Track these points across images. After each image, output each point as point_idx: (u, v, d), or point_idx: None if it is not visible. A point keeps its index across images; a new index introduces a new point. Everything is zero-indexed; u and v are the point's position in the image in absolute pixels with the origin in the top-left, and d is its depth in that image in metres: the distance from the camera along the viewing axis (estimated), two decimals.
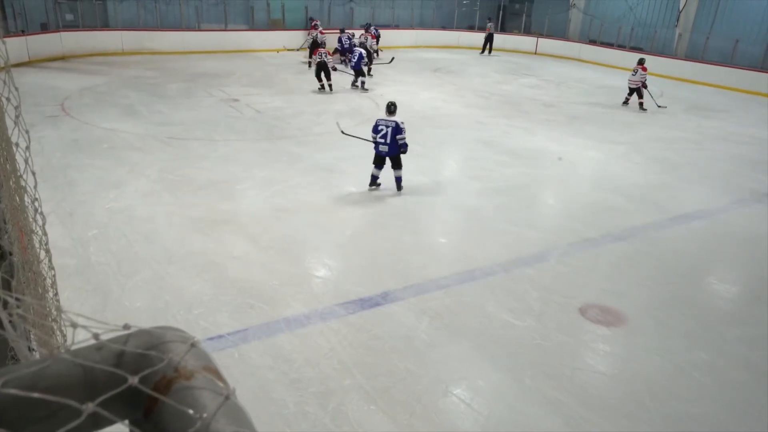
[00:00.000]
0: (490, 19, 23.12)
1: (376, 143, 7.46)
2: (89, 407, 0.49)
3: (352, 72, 14.53)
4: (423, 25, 24.39)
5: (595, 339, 4.93)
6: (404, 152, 7.47)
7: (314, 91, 13.96)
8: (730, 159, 10.52)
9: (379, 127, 7.40)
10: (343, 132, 8.32)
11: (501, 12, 26.20)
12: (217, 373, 0.59)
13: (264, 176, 8.07)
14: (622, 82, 16.07)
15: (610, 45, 22.45)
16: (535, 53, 24.09)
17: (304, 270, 5.69)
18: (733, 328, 5.22)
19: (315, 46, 15.79)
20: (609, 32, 22.72)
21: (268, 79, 15.01)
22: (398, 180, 7.65)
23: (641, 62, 13.93)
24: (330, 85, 13.82)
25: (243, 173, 8.12)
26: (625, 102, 14.39)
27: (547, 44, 24.00)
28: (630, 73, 14.21)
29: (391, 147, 7.37)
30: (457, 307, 5.15)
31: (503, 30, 25.93)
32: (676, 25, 21.27)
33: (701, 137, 11.98)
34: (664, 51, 21.02)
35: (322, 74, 13.65)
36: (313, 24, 18.58)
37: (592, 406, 4.05)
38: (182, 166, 8.27)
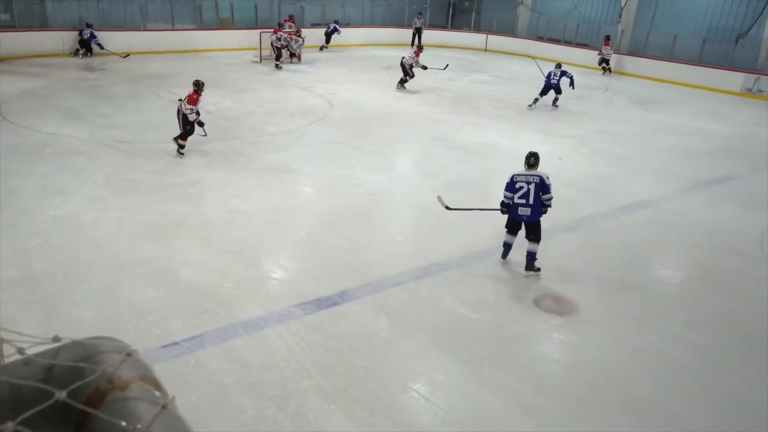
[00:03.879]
0: (419, 15, 23.41)
1: (515, 205, 5.74)
2: (9, 427, 0.47)
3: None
4: (374, 23, 24.40)
5: (549, 328, 5.05)
6: (545, 212, 5.83)
7: (268, 90, 13.81)
8: (671, 150, 10.93)
9: (517, 185, 5.74)
10: (447, 207, 6.53)
11: (451, 9, 26.45)
12: (155, 382, 0.57)
13: (217, 178, 7.93)
14: (592, 82, 16.46)
15: (557, 41, 22.97)
16: (485, 50, 24.43)
17: (261, 272, 5.63)
18: (678, 311, 5.45)
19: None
20: (556, 29, 23.25)
21: (218, 80, 14.73)
22: (531, 256, 5.77)
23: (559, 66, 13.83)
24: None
25: (195, 175, 7.95)
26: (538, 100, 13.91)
27: (496, 41, 24.37)
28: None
29: (534, 210, 5.67)
30: (414, 302, 5.19)
31: (453, 27, 26.19)
32: (619, 22, 21.95)
33: (644, 129, 12.41)
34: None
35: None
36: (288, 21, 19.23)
37: (549, 393, 4.15)
38: (130, 171, 8.04)
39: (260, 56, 17.84)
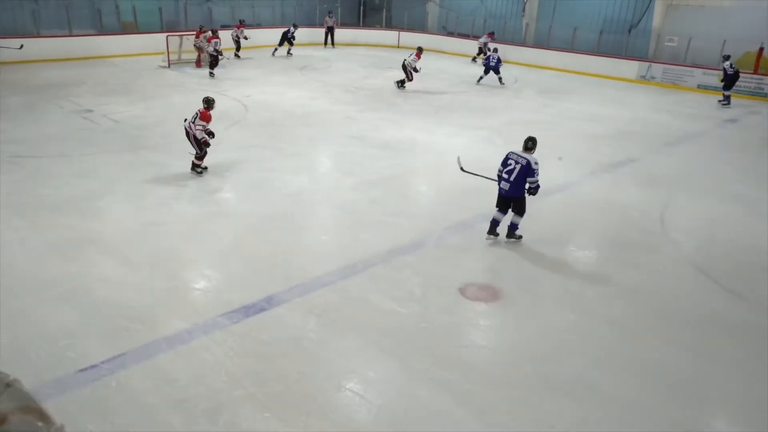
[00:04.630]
0: (330, 13, 23.46)
1: (500, 179, 6.36)
2: None
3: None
4: (285, 22, 24.09)
5: (475, 316, 5.21)
6: (533, 194, 6.30)
7: (178, 96, 13.31)
8: (578, 136, 11.53)
9: (508, 161, 6.31)
10: (462, 169, 7.12)
11: (362, 7, 26.58)
12: (38, 413, 0.54)
13: (129, 190, 7.58)
14: (481, 71, 17.00)
15: (466, 36, 23.61)
16: (398, 47, 24.72)
17: (182, 284, 5.45)
18: (593, 288, 5.77)
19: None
20: (464, 24, 23.90)
21: (124, 87, 14.07)
22: (513, 227, 6.46)
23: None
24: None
25: (105, 188, 7.57)
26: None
27: (408, 37, 24.71)
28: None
29: (513, 186, 6.21)
30: (343, 301, 5.20)
31: (365, 25, 26.34)
32: (523, 16, 22.88)
33: (553, 118, 13.01)
34: (514, 39, 22.50)
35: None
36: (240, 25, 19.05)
37: (478, 379, 4.28)
38: (33, 187, 7.54)
39: (168, 61, 17.18)
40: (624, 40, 20.09)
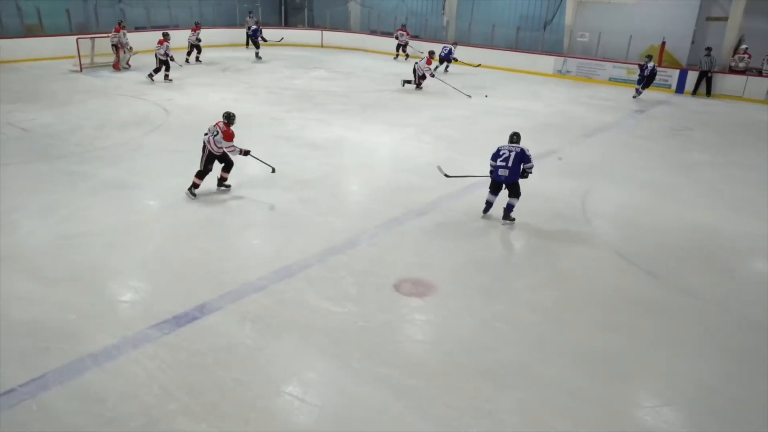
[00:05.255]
0: (251, 13, 23.10)
1: (496, 168, 7.02)
2: None
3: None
4: (204, 23, 23.44)
5: (411, 311, 5.27)
6: (526, 177, 7.06)
7: (94, 101, 12.67)
8: (500, 130, 11.82)
9: (501, 153, 6.99)
10: (447, 175, 7.65)
11: (283, 7, 26.27)
12: None
13: (43, 202, 7.15)
14: (405, 69, 17.21)
15: (389, 34, 23.81)
16: (322, 46, 24.63)
17: (107, 298, 5.20)
18: (523, 277, 5.98)
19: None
20: (386, 22, 24.10)
21: (32, 93, 13.24)
22: (509, 208, 7.09)
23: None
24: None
25: (15, 202, 7.10)
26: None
27: (332, 37, 24.67)
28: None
29: (511, 172, 6.90)
30: (278, 305, 5.13)
31: (287, 25, 26.05)
32: (443, 13, 23.33)
33: (475, 113, 13.36)
34: (436, 37, 22.93)
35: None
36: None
37: (416, 373, 4.33)
38: None
39: (80, 65, 16.31)
40: (540, 36, 20.90)
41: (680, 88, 17.58)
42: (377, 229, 6.84)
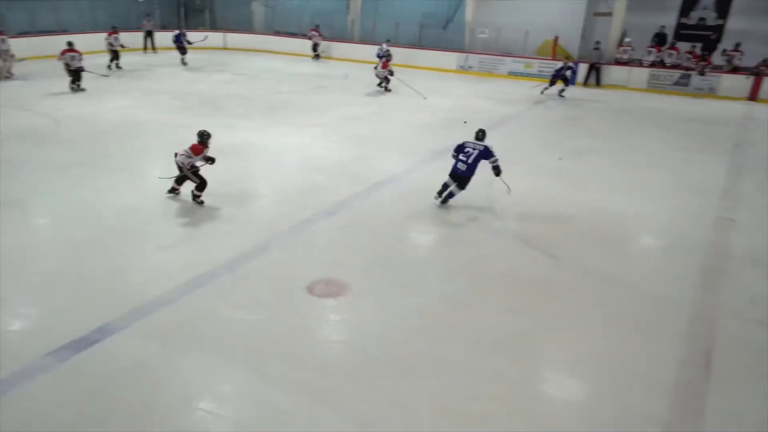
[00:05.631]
0: (148, 16, 22.19)
1: (457, 160, 7.45)
2: None
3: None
4: (96, 28, 22.14)
5: (325, 312, 5.26)
6: (498, 174, 7.53)
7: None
8: (407, 126, 12.12)
9: (465, 148, 7.42)
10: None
11: (183, 9, 25.33)
12: None
13: None
14: (310, 69, 17.10)
15: (294, 35, 23.60)
16: (225, 48, 24.01)
17: None
18: (431, 269, 6.12)
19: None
20: (291, 23, 23.85)
21: None
22: (451, 195, 7.61)
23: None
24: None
25: None
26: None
27: (235, 38, 24.10)
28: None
29: (469, 168, 7.34)
30: (187, 319, 4.95)
31: (188, 27, 25.13)
32: (348, 13, 23.39)
33: (383, 110, 13.53)
34: (342, 36, 22.96)
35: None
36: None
37: (333, 374, 4.33)
38: None
39: None
40: (442, 33, 21.45)
41: (573, 80, 18.63)
42: (288, 232, 6.77)
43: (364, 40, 22.61)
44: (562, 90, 16.26)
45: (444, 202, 7.65)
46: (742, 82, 17.21)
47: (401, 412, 3.96)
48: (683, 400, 4.23)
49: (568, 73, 16.35)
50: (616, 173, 9.58)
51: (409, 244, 6.87)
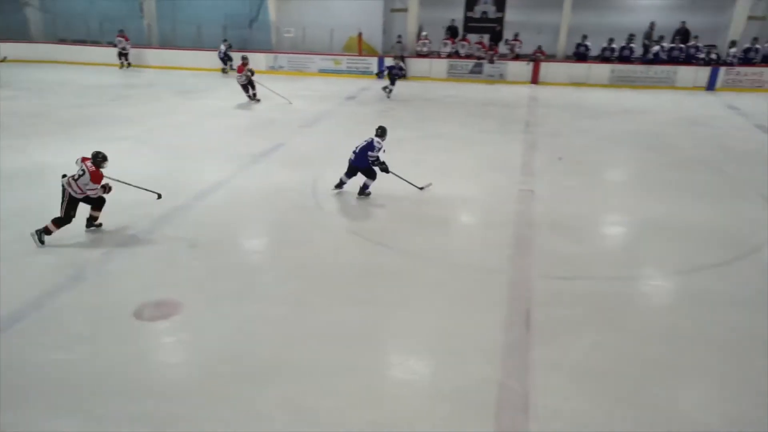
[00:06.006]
0: None
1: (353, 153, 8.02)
2: None
3: None
4: None
5: (159, 335, 4.93)
6: (384, 170, 8.01)
7: None
8: (222, 131, 11.77)
9: (358, 142, 8.02)
10: (421, 188, 8.43)
11: None
12: None
13: None
14: (109, 79, 15.70)
15: (83, 42, 21.49)
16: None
17: None
18: (267, 273, 6.04)
19: None
20: (77, 29, 21.67)
21: None
22: (364, 187, 8.09)
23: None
24: None
25: None
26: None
27: (10, 48, 21.19)
28: None
29: (357, 158, 7.92)
30: None
31: None
32: (142, 16, 21.87)
33: (196, 117, 12.98)
34: (140, 41, 21.40)
35: None
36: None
37: (178, 397, 4.08)
38: None
39: None
40: (249, 33, 21.06)
41: (381, 74, 19.53)
42: (104, 256, 6.20)
43: (165, 45, 21.37)
44: (387, 87, 16.51)
45: (339, 187, 8.22)
46: (524, 68, 19.44)
47: (254, 423, 3.87)
48: (511, 359, 4.68)
49: (397, 72, 16.50)
50: (428, 159, 10.26)
51: (241, 252, 6.69)
